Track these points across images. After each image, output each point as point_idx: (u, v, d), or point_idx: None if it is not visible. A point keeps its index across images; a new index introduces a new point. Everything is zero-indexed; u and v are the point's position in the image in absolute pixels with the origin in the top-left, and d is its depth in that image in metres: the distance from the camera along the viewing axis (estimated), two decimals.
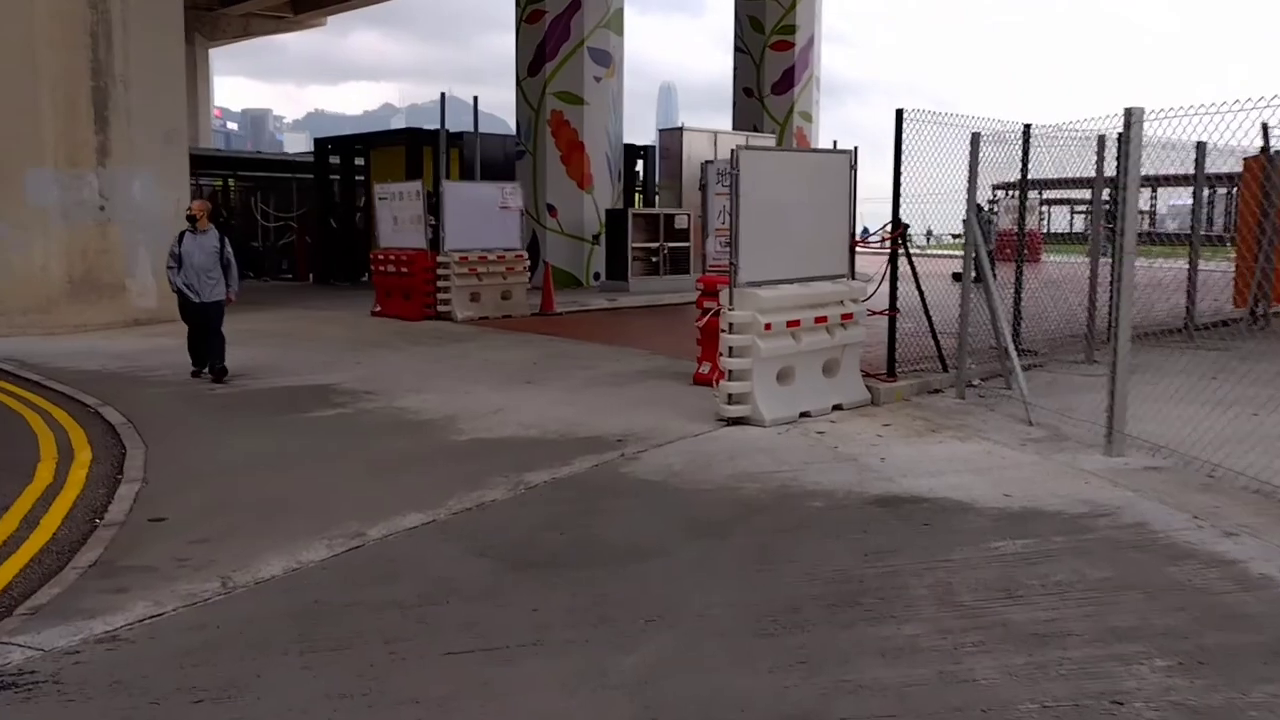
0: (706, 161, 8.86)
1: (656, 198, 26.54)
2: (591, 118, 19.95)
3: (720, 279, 9.12)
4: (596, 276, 20.20)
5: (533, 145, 20.03)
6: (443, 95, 15.42)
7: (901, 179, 8.33)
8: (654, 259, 19.05)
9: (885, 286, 8.66)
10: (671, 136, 21.08)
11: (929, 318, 8.82)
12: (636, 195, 24.41)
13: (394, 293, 15.41)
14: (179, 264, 9.84)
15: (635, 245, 18.71)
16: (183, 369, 10.20)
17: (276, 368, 10.62)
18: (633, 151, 23.15)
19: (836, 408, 7.97)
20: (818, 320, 7.77)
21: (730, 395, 7.45)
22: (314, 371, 10.41)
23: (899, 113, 8.25)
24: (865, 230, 9.09)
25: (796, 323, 7.61)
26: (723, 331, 7.47)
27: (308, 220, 22.99)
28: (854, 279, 8.42)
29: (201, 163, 25.99)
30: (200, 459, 6.97)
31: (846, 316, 8.00)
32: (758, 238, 7.50)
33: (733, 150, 7.34)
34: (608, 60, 20.16)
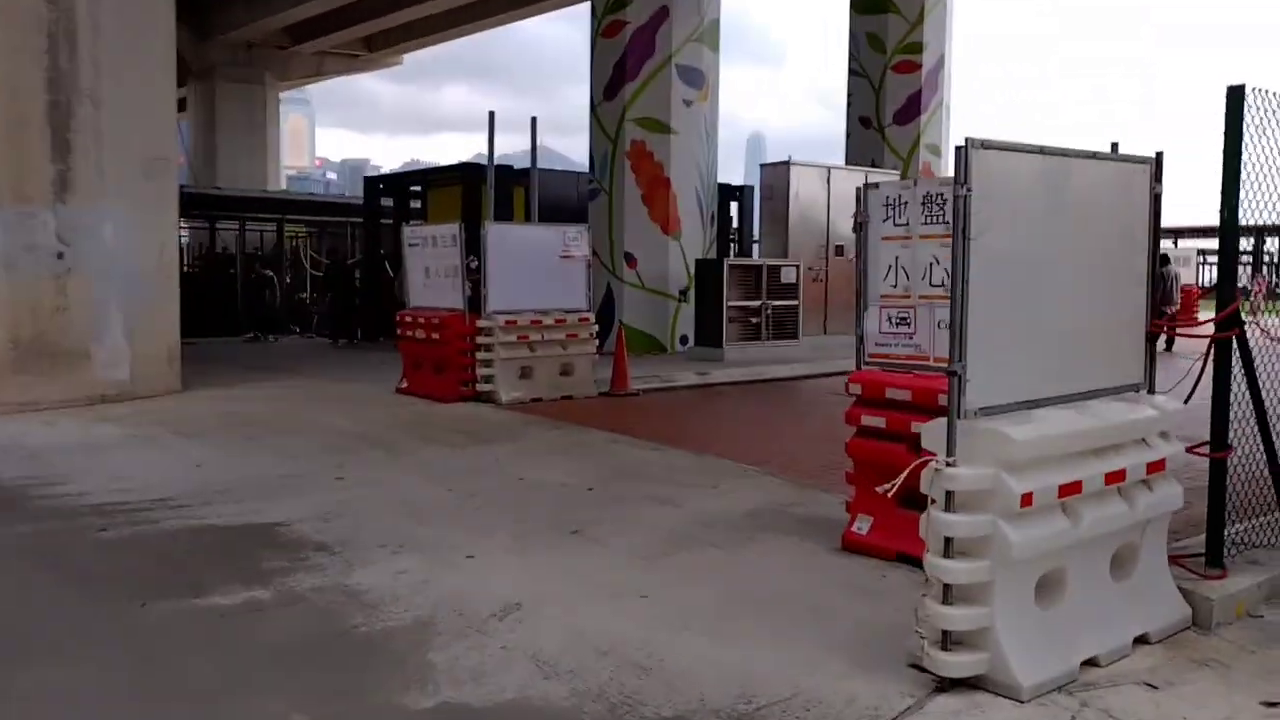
0: (867, 185, 5.05)
1: (756, 247, 23.03)
2: (680, 148, 16.54)
3: (892, 379, 5.46)
4: (683, 340, 16.66)
5: (608, 182, 16.68)
6: (491, 114, 12.12)
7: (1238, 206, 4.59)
8: (754, 320, 15.47)
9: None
10: (776, 173, 17.58)
11: (1268, 440, 4.93)
12: (730, 244, 20.90)
13: (424, 364, 12.05)
14: None
15: (732, 304, 15.15)
16: (109, 481, 6.94)
17: (219, 485, 7.23)
18: (726, 192, 19.71)
19: (1140, 641, 4.19)
20: (1109, 479, 4.02)
21: (947, 635, 3.73)
22: (267, 495, 7.01)
23: (1235, 92, 4.54)
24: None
25: (1075, 486, 3.88)
26: (931, 505, 3.77)
27: (344, 270, 19.96)
28: (1154, 389, 4.65)
29: (244, 205, 23.35)
30: None
31: (1155, 467, 4.24)
32: (998, 318, 3.86)
33: (962, 146, 3.70)
34: (700, 81, 16.77)
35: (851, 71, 20.72)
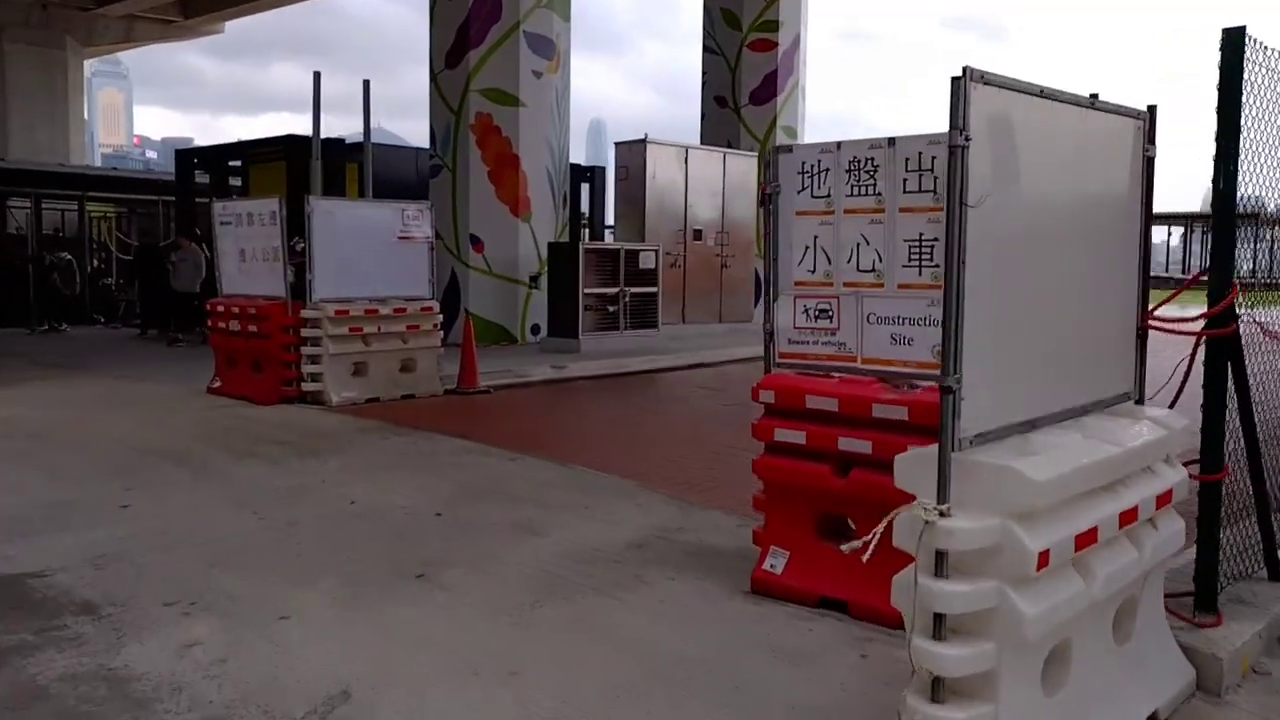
0: (778, 148, 3.98)
1: (609, 232, 22.03)
2: (529, 123, 15.31)
3: (814, 385, 4.49)
4: (535, 330, 15.48)
5: (451, 158, 15.30)
6: (317, 75, 10.59)
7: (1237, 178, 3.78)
8: (611, 308, 14.43)
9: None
10: (632, 152, 16.55)
11: (1255, 460, 4.16)
12: (581, 229, 19.80)
13: (240, 361, 10.49)
14: None
15: (588, 291, 14.06)
16: None
17: None
18: (577, 173, 18.60)
19: None
20: (1122, 520, 3.11)
21: None
22: (25, 531, 5.53)
23: (1233, 36, 3.72)
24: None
25: (1091, 535, 2.94)
26: (916, 568, 2.76)
27: (154, 253, 17.86)
28: (1143, 399, 3.79)
29: (37, 180, 20.74)
30: None
31: (1163, 500, 3.37)
32: (1001, 315, 2.90)
33: (959, 78, 2.69)
34: (550, 50, 15.57)
35: (706, 49, 19.89)
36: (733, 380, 12.49)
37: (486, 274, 15.26)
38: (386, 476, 6.95)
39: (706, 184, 17.30)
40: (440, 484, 6.71)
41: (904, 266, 4.31)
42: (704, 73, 19.95)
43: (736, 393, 11.35)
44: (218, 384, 10.65)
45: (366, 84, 11.10)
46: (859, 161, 4.41)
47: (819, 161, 4.54)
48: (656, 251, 14.91)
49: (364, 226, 10.26)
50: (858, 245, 4.44)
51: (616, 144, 16.82)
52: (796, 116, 19.87)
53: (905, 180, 4.28)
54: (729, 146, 18.45)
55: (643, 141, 16.31)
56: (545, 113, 15.57)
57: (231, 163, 18.67)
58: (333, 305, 9.90)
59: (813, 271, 4.60)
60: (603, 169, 21.43)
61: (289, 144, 16.42)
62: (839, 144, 4.48)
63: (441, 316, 10.90)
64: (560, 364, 12.79)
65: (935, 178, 4.20)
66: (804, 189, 4.61)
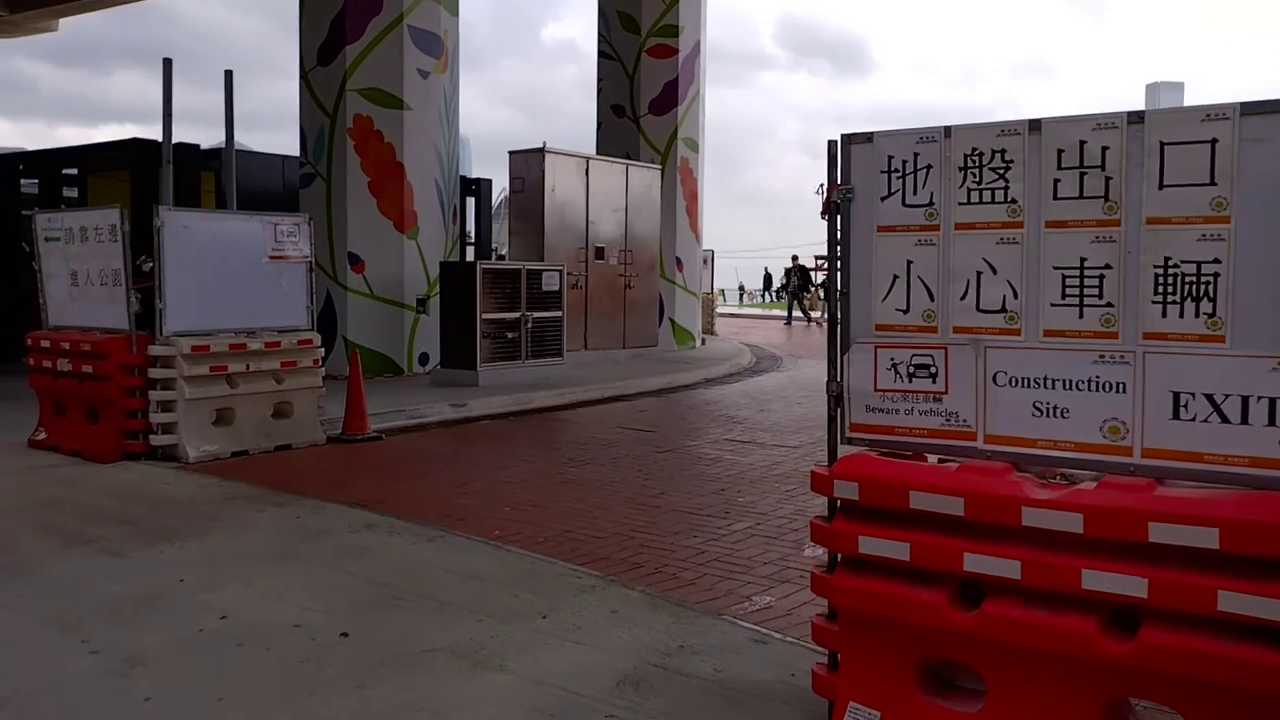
0: (849, 137, 2.61)
1: (500, 251, 20.55)
2: (415, 128, 13.68)
3: (926, 476, 3.16)
4: (423, 360, 13.82)
5: (325, 166, 13.53)
6: (167, 62, 8.75)
7: None
8: (511, 335, 12.89)
9: None
10: (529, 162, 15.05)
11: None
12: (466, 246, 18.18)
13: (70, 408, 8.57)
14: None
15: (487, 316, 12.50)
16: None
17: None
18: (462, 186, 16.94)
19: None
20: None
21: None
22: None
23: None
24: None
25: None
26: None
27: None
28: None
29: None
30: None
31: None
32: None
33: None
34: (438, 48, 13.98)
35: (602, 54, 18.55)
36: (657, 418, 11.15)
37: (368, 297, 13.52)
38: (268, 572, 5.29)
39: (609, 198, 15.95)
40: (342, 582, 5.11)
41: (1054, 305, 3.02)
42: (599, 79, 18.60)
43: (669, 434, 10.00)
44: (42, 436, 8.69)
45: (229, 74, 9.33)
46: (981, 154, 3.10)
47: (916, 155, 3.21)
48: (561, 272, 13.45)
49: (228, 243, 8.50)
50: (978, 274, 3.12)
51: (511, 153, 15.30)
52: (698, 128, 18.71)
53: (1058, 182, 2.99)
54: (628, 158, 17.13)
55: (541, 150, 14.83)
56: (433, 116, 13.95)
57: (66, 170, 16.36)
58: (189, 340, 8.12)
59: (905, 310, 3.26)
60: (489, 181, 19.85)
61: (135, 149, 14.35)
62: (948, 129, 3.16)
63: (323, 350, 9.20)
64: (459, 401, 11.19)
65: (1107, 178, 2.92)
66: (891, 194, 3.27)
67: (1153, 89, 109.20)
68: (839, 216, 3.38)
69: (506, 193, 17.11)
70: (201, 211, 10.92)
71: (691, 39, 18.34)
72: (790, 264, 32.03)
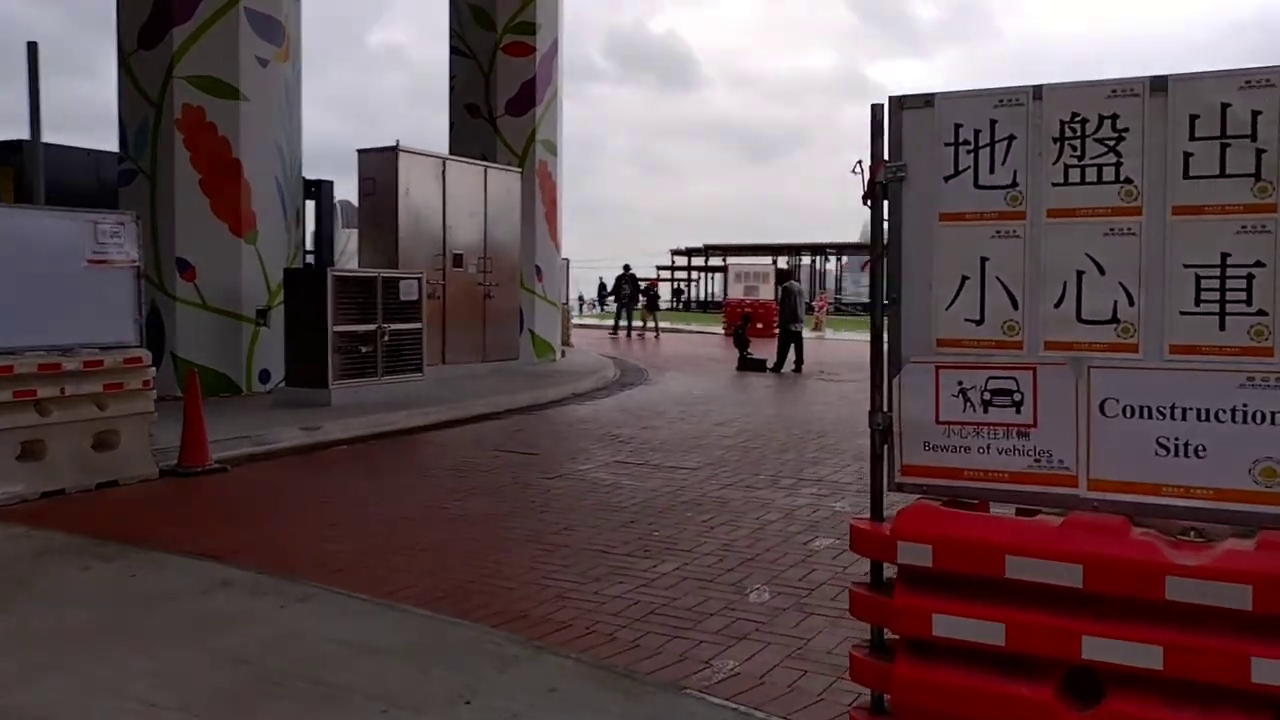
0: (901, 99, 1.86)
1: (349, 256, 19.23)
2: (253, 120, 12.35)
3: (1025, 536, 2.43)
4: (264, 377, 12.49)
5: (149, 162, 12.04)
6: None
7: None
8: (365, 349, 11.74)
9: None
10: (381, 161, 13.88)
11: None
12: (308, 255, 16.80)
13: None
14: None
15: (339, 329, 11.32)
16: None
17: None
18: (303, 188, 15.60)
19: None
20: None
21: None
22: None
23: None
24: None
25: None
26: None
27: None
28: None
29: None
30: None
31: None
32: None
33: None
34: (279, 35, 12.69)
35: (454, 50, 17.48)
36: (535, 439, 10.27)
37: (200, 307, 12.09)
38: (96, 658, 4.16)
39: (467, 202, 14.92)
40: (197, 664, 4.05)
41: (1185, 314, 2.37)
42: (452, 77, 17.51)
43: (553, 457, 9.16)
44: None
45: (32, 46, 7.95)
46: (1084, 121, 2.42)
47: (994, 123, 2.51)
48: (420, 280, 12.37)
49: (37, 245, 7.15)
50: (1079, 275, 2.45)
51: (360, 151, 14.10)
52: (556, 130, 17.88)
53: (1190, 156, 2.34)
54: (484, 160, 16.14)
55: (394, 149, 13.69)
56: (273, 109, 12.65)
57: None
58: None
59: (978, 321, 2.56)
60: (330, 183, 18.51)
61: None
62: (1038, 88, 2.47)
63: (155, 370, 7.92)
64: (311, 423, 10.00)
65: (1259, 151, 2.29)
66: (960, 172, 2.57)
67: None
68: (885, 201, 2.65)
69: (339, 202, 15.95)
70: (3, 208, 9.38)
71: (549, 37, 17.52)
72: (621, 272, 31.66)
